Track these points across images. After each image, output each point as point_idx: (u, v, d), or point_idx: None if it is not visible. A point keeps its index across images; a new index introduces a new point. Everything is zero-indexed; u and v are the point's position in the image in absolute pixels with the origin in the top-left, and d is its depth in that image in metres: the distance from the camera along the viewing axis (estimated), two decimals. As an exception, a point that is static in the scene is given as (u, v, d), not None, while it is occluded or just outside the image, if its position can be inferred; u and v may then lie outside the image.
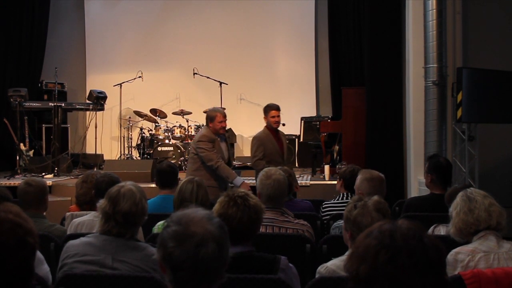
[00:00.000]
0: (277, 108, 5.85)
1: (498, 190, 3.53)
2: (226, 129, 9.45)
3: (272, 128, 5.83)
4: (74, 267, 2.49)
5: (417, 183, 6.54)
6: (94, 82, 10.30)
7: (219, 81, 9.40)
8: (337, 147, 8.61)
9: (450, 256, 2.52)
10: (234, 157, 9.21)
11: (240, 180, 5.39)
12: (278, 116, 5.81)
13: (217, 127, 5.52)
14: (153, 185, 5.50)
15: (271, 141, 5.76)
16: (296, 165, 9.36)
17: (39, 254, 2.30)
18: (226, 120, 5.60)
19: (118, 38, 10.58)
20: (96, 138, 8.62)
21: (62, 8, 10.62)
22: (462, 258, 2.50)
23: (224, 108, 6.58)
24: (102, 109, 8.73)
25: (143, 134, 9.43)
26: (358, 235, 2.35)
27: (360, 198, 2.53)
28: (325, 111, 10.05)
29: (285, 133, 9.62)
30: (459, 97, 6.27)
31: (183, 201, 3.25)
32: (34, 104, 8.55)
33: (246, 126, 10.21)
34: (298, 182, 6.94)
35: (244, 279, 2.24)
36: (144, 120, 9.52)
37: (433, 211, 3.70)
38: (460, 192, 2.74)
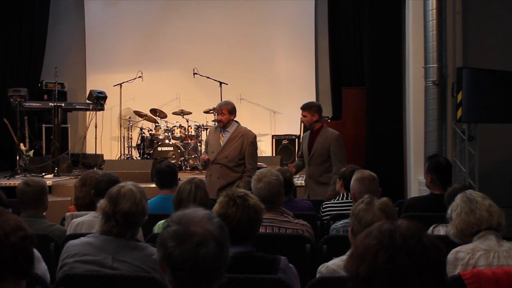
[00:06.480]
0: (302, 107, 5.72)
1: (498, 190, 3.54)
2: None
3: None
4: (74, 267, 2.49)
5: (417, 183, 6.55)
6: (94, 82, 10.29)
7: (219, 81, 9.40)
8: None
9: (451, 255, 2.53)
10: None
11: None
12: (303, 116, 5.67)
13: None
14: (153, 185, 5.50)
15: (305, 140, 5.74)
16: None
17: (36, 253, 2.29)
18: (220, 113, 5.61)
19: (118, 38, 10.58)
20: (96, 138, 8.61)
21: (62, 8, 10.61)
22: (462, 256, 2.51)
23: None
24: (102, 109, 8.74)
25: (143, 134, 9.42)
26: (358, 230, 2.38)
27: (370, 197, 2.55)
28: (325, 111, 9.99)
29: (285, 133, 9.76)
30: (459, 97, 6.27)
31: (181, 201, 3.20)
32: (34, 104, 8.55)
33: (246, 126, 10.15)
34: (298, 182, 6.97)
35: (244, 279, 2.24)
36: (144, 120, 9.52)
37: (433, 211, 3.70)
38: (459, 193, 2.75)
